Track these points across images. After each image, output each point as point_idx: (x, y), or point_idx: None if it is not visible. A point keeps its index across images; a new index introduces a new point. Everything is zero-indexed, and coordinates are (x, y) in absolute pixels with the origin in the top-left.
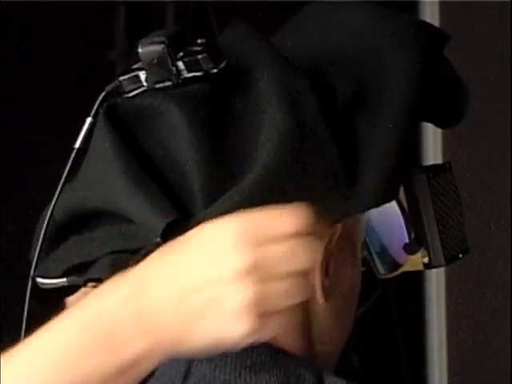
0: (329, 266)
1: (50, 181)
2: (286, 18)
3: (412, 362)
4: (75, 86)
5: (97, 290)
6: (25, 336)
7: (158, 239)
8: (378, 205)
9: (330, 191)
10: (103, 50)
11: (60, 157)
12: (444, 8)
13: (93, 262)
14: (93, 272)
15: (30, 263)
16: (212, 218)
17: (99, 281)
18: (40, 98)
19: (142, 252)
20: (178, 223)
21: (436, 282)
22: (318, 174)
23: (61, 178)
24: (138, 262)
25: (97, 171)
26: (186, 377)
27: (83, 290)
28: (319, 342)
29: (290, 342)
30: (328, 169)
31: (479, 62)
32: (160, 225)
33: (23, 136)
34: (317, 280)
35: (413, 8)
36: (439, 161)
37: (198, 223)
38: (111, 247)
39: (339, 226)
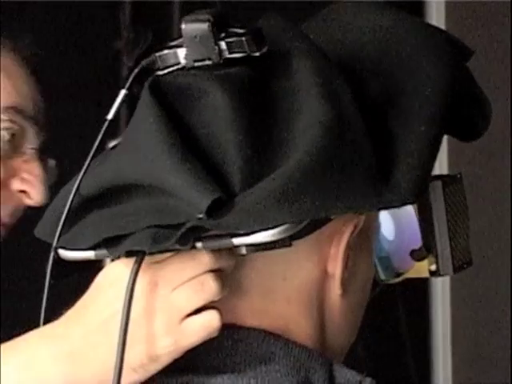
0: (348, 258)
1: (59, 174)
2: (296, 18)
3: (416, 353)
4: (83, 75)
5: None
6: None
7: (202, 215)
8: (408, 203)
9: (363, 184)
10: (109, 40)
11: (68, 147)
12: (450, 8)
13: (125, 236)
14: (132, 244)
15: (32, 258)
16: (252, 199)
17: (140, 253)
18: (47, 88)
19: (185, 227)
20: (222, 201)
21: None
22: (353, 166)
23: (70, 168)
24: (178, 238)
25: (138, 145)
26: None
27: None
28: (331, 334)
29: (302, 331)
30: (362, 162)
31: (486, 61)
32: (206, 201)
33: None
34: (337, 271)
35: (419, 8)
36: (444, 165)
37: (238, 203)
38: (149, 221)
39: (362, 219)
